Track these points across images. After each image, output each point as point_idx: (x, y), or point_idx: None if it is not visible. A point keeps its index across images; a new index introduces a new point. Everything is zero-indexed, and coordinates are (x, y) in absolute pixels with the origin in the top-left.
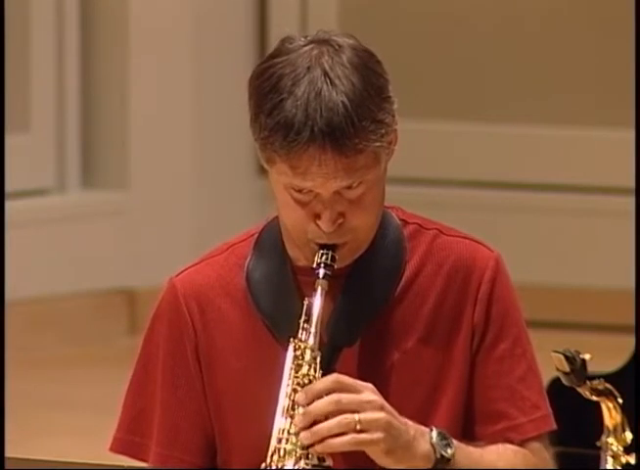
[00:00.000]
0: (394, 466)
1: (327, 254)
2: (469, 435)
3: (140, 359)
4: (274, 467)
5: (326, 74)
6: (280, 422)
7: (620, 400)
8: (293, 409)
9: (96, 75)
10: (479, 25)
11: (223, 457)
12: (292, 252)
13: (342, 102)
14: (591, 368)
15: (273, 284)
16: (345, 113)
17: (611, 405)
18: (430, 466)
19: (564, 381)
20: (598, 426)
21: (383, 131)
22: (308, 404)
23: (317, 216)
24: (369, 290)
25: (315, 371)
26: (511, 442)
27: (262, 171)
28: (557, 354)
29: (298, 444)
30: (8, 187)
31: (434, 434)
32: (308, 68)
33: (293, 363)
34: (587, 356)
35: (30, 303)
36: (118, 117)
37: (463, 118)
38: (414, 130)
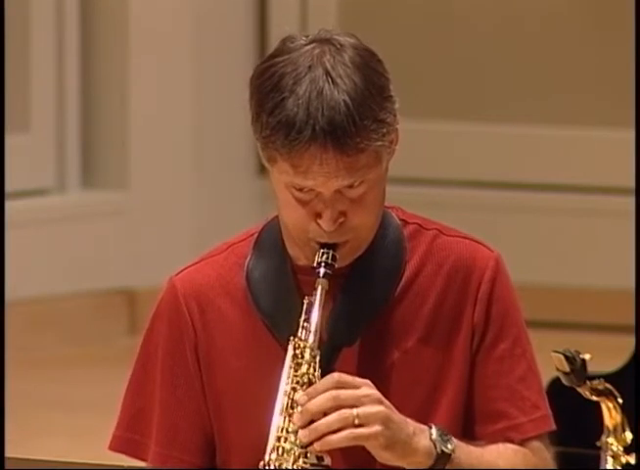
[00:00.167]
0: (395, 462)
1: (327, 253)
2: (469, 434)
3: (139, 358)
4: (272, 466)
5: (327, 73)
6: (278, 421)
7: (620, 400)
8: (292, 408)
9: (96, 75)
10: (479, 25)
11: (222, 457)
12: (292, 251)
13: (344, 101)
14: (591, 368)
15: (273, 283)
16: (347, 112)
17: (611, 405)
18: (431, 462)
19: (564, 381)
20: (598, 426)
21: (384, 130)
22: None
23: (318, 215)
24: (369, 290)
25: (315, 370)
26: (511, 441)
27: (262, 171)
28: (557, 354)
29: (297, 442)
30: (8, 187)
31: (434, 431)
32: (310, 67)
33: (292, 362)
34: (587, 356)
35: (30, 303)
36: (118, 117)
37: (463, 118)
38: (414, 130)
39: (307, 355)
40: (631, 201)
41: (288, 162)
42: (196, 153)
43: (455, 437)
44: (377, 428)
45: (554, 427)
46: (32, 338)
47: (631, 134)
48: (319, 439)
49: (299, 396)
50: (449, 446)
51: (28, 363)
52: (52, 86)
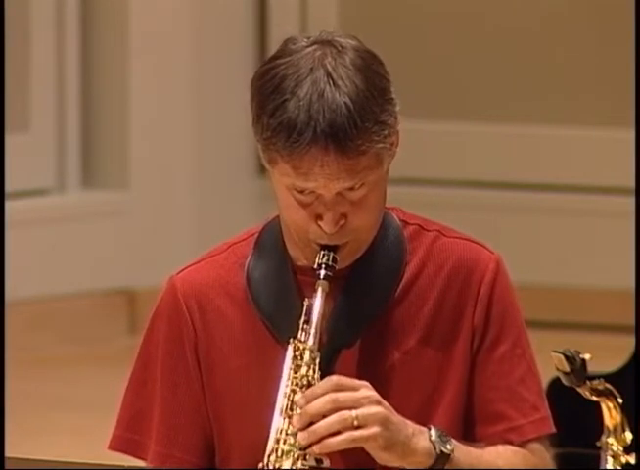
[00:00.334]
0: (394, 462)
1: (328, 255)
2: (468, 436)
3: (139, 358)
4: (271, 467)
5: (329, 76)
6: (278, 422)
7: (620, 400)
8: (291, 410)
9: (96, 75)
10: (479, 25)
11: (222, 456)
12: (292, 251)
13: (345, 103)
14: (591, 368)
15: (273, 284)
16: (348, 114)
17: (611, 405)
18: (430, 462)
19: (564, 381)
20: (598, 426)
21: (385, 133)
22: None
23: (319, 217)
24: (369, 291)
25: (314, 372)
26: (510, 443)
27: (262, 171)
28: (557, 354)
29: (296, 444)
30: (8, 187)
31: (433, 432)
32: (311, 69)
33: (292, 364)
34: (587, 356)
35: (30, 303)
36: (118, 118)
37: (463, 118)
38: (414, 130)
39: (307, 357)
40: (631, 201)
41: (289, 164)
42: (196, 153)
43: (455, 438)
44: (375, 429)
45: (553, 429)
46: (32, 338)
47: (631, 134)
48: (318, 441)
49: (298, 398)
50: (448, 446)
51: (28, 363)
52: (52, 86)
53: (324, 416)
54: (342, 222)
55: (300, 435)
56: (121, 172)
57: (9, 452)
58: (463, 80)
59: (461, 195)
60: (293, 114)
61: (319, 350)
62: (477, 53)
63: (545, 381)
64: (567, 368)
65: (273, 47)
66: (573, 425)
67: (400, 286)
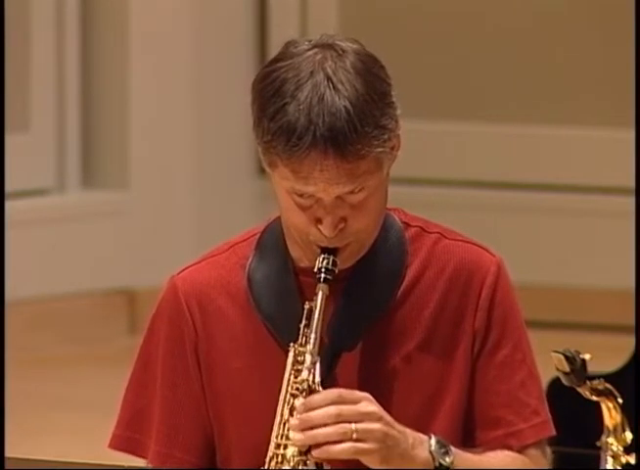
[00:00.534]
0: None
1: (328, 258)
2: (468, 440)
3: (140, 358)
4: None
5: (329, 79)
6: (278, 428)
7: (620, 400)
8: (291, 415)
9: (96, 75)
10: (478, 25)
11: (222, 457)
12: (294, 252)
13: (345, 107)
14: (591, 368)
15: (275, 285)
16: (348, 118)
17: (611, 405)
18: None
19: (564, 381)
20: (598, 426)
21: (385, 137)
22: None
23: (319, 221)
24: (370, 293)
25: (314, 376)
26: (510, 448)
27: (262, 171)
28: (557, 354)
29: (297, 450)
30: (8, 187)
31: (433, 442)
32: (312, 72)
33: (292, 368)
34: (587, 356)
35: (30, 303)
36: (118, 118)
37: (463, 118)
38: (414, 130)
39: (308, 362)
40: (631, 201)
41: (288, 167)
42: (196, 153)
43: (455, 443)
44: (373, 445)
45: (554, 432)
46: (32, 338)
47: (631, 134)
48: (316, 446)
49: (298, 404)
50: (447, 459)
51: (28, 363)
52: (52, 86)
53: (324, 425)
54: (342, 226)
55: (297, 435)
56: (121, 172)
57: (9, 452)
58: (463, 80)
59: (461, 195)
60: (293, 117)
61: (320, 353)
62: (477, 53)
63: (545, 381)
64: (567, 368)
65: (273, 47)
66: (573, 425)
67: (401, 288)
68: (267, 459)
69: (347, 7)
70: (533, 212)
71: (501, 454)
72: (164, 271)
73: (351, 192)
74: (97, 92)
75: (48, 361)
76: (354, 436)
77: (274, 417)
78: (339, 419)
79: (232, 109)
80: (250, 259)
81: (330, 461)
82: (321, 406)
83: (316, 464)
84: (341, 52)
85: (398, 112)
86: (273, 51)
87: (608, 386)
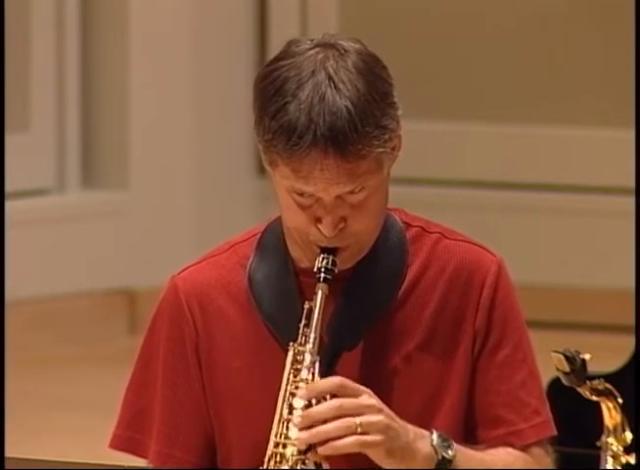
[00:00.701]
0: (395, 467)
1: (328, 258)
2: (469, 439)
3: (141, 357)
4: None
5: (330, 79)
6: (277, 427)
7: (620, 400)
8: (290, 414)
9: (96, 75)
10: (479, 26)
11: (223, 456)
12: (294, 253)
13: (346, 107)
14: (591, 368)
15: (275, 285)
16: (349, 117)
17: (611, 405)
18: (431, 467)
19: (564, 381)
20: (598, 426)
21: (386, 137)
22: (308, 401)
23: (318, 220)
24: (370, 293)
25: (314, 376)
26: (511, 447)
27: (262, 171)
28: (557, 354)
29: (297, 443)
30: (8, 187)
31: (435, 436)
32: (313, 71)
33: (292, 368)
34: (587, 356)
35: (30, 303)
36: (118, 118)
37: (463, 118)
38: (414, 130)
39: (307, 361)
40: (631, 201)
41: (289, 166)
42: (196, 153)
43: (456, 441)
44: (378, 437)
45: (554, 432)
46: (32, 338)
47: (631, 134)
48: (321, 443)
49: (300, 390)
50: (450, 452)
51: (28, 363)
52: (52, 86)
53: (325, 421)
54: (342, 226)
55: (301, 433)
56: (121, 172)
57: (9, 452)
58: (463, 80)
59: (461, 195)
60: (293, 116)
61: (320, 353)
62: (477, 53)
63: (545, 381)
64: (567, 368)
65: (273, 47)
66: (573, 425)
67: (402, 288)
68: (266, 458)
69: (347, 7)
70: (533, 212)
71: (503, 451)
72: (164, 271)
73: (352, 192)
74: (97, 92)
75: (48, 361)
76: (359, 430)
77: (274, 416)
78: (340, 412)
79: (232, 109)
80: (250, 259)
81: (329, 459)
82: (323, 395)
83: (315, 463)
84: (342, 51)
85: (399, 112)
86: (273, 51)
87: (608, 386)
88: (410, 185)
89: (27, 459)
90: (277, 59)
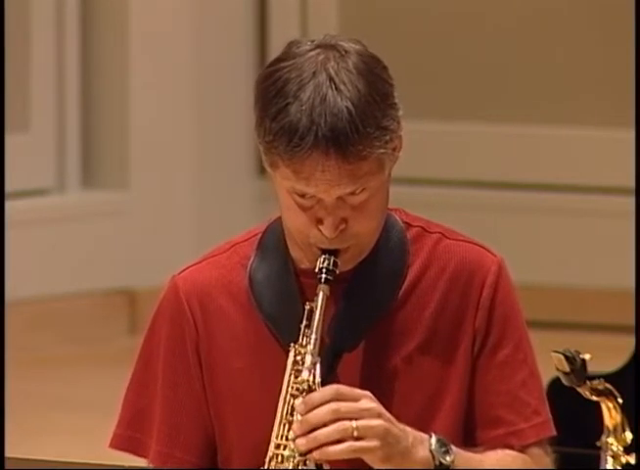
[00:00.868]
0: None
1: (329, 259)
2: (469, 439)
3: (141, 357)
4: None
5: (331, 80)
6: (278, 428)
7: (620, 400)
8: (291, 415)
9: (96, 75)
10: (479, 26)
11: (223, 457)
12: (294, 254)
13: (347, 108)
14: (591, 368)
15: (276, 286)
16: (350, 118)
17: (611, 405)
18: None
19: (564, 381)
20: (598, 426)
21: (387, 138)
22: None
23: (319, 221)
24: (371, 294)
25: (315, 377)
26: (511, 447)
27: (262, 172)
28: (557, 354)
29: (296, 450)
30: (8, 187)
31: (434, 441)
32: (314, 72)
33: (292, 369)
34: (587, 356)
35: (30, 303)
36: (118, 118)
37: (463, 118)
38: (414, 130)
39: (308, 362)
40: (631, 201)
41: (290, 168)
42: (196, 153)
43: (456, 442)
44: (375, 443)
45: (554, 432)
46: (32, 338)
47: (631, 134)
48: (318, 448)
49: (298, 403)
50: (448, 457)
51: (28, 363)
52: (52, 86)
53: (324, 425)
54: (343, 227)
55: (299, 440)
56: (121, 172)
57: (9, 452)
58: (463, 80)
59: (461, 195)
60: (294, 118)
61: (321, 354)
62: (477, 53)
63: (545, 381)
64: (567, 368)
65: (273, 47)
66: (573, 425)
67: (403, 289)
68: (267, 459)
69: (347, 7)
70: (533, 212)
71: (502, 453)
72: (164, 271)
73: (353, 193)
74: (97, 92)
75: (48, 361)
76: (355, 433)
77: (275, 417)
78: (337, 415)
79: (232, 109)
80: (251, 259)
81: (330, 460)
82: (320, 404)
83: (316, 464)
84: (343, 53)
85: (400, 112)
86: (273, 51)
87: (608, 386)
88: (410, 185)
89: (27, 459)
90: (278, 60)
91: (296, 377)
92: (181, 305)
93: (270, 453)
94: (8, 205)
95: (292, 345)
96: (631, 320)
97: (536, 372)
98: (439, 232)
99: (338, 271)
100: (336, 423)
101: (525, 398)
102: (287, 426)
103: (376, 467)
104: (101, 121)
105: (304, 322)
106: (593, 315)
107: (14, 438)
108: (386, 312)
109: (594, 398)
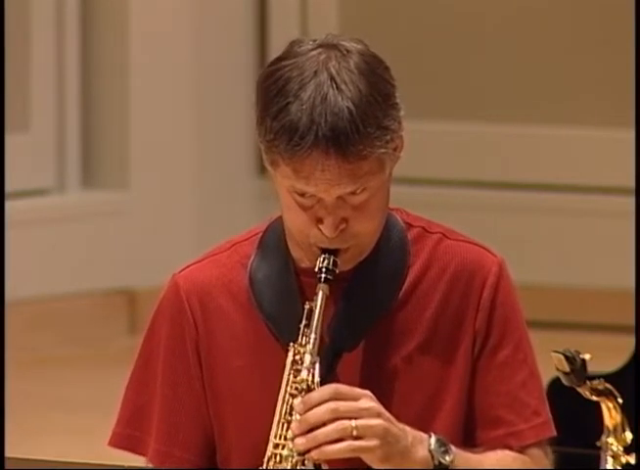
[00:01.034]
0: None
1: (328, 259)
2: (469, 440)
3: (141, 355)
4: None
5: (332, 79)
6: (277, 427)
7: (620, 400)
8: (290, 415)
9: (96, 75)
10: (479, 26)
11: (222, 455)
12: (295, 253)
13: (348, 107)
14: (591, 368)
15: (276, 285)
16: (350, 118)
17: (611, 405)
18: None
19: (564, 381)
20: (598, 426)
21: (388, 138)
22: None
23: (320, 221)
24: (371, 294)
25: (314, 376)
26: (510, 448)
27: (262, 171)
28: (557, 354)
29: (295, 450)
30: (8, 187)
31: (433, 440)
32: (315, 72)
33: (291, 368)
34: (587, 356)
35: (30, 303)
36: (118, 118)
37: (463, 118)
38: (414, 130)
39: (307, 362)
40: (631, 201)
41: (290, 167)
42: (196, 153)
43: (456, 442)
44: (374, 442)
45: (554, 433)
46: (32, 338)
47: (631, 134)
48: (317, 447)
49: (297, 403)
50: (447, 458)
51: (28, 363)
52: (52, 86)
53: (324, 424)
54: (343, 226)
55: (298, 440)
56: (121, 172)
57: (9, 452)
58: (463, 80)
59: (461, 195)
60: (295, 117)
61: (320, 353)
62: (477, 53)
63: (545, 381)
64: (567, 368)
65: (273, 47)
66: (573, 425)
67: (403, 289)
68: (265, 459)
69: (347, 7)
70: (533, 212)
71: (501, 454)
72: (164, 271)
73: (353, 193)
74: (97, 92)
75: (48, 361)
76: (354, 433)
77: (273, 418)
78: (336, 415)
79: (232, 108)
80: (251, 259)
81: (329, 460)
82: (319, 403)
83: (314, 464)
84: (345, 52)
85: (401, 113)
86: (273, 51)
87: (608, 386)
88: (410, 185)
89: (27, 459)
90: (279, 59)
91: (295, 376)
92: (181, 304)
93: (269, 453)
94: (8, 205)
95: (291, 344)
96: (631, 320)
97: (536, 372)
98: (440, 232)
99: (337, 271)
100: (335, 422)
101: (524, 398)
102: (285, 425)
103: (375, 467)
104: (101, 121)
105: (304, 322)
106: (593, 315)
107: (14, 438)
108: (386, 312)
109: (594, 398)
